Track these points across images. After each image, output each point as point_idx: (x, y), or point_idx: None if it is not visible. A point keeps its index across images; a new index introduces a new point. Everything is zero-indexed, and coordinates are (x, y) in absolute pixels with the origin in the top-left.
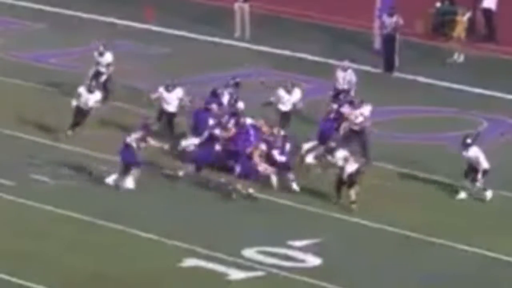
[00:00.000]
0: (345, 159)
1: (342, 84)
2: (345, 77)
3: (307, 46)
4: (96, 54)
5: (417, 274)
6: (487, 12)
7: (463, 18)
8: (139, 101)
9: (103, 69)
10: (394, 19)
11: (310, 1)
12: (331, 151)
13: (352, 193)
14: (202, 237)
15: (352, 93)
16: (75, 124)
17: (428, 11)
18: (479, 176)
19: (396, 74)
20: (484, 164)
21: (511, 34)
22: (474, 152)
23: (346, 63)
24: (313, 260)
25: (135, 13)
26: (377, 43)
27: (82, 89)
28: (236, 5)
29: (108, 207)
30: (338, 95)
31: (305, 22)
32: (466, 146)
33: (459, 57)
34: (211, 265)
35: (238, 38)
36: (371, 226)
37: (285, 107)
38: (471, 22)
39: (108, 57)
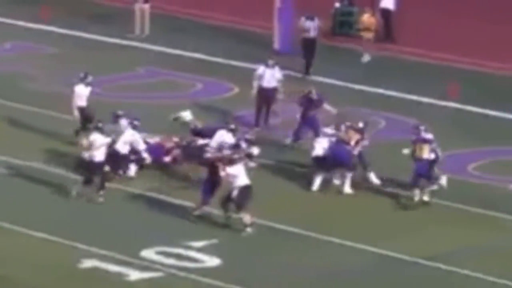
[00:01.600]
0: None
1: (268, 82)
2: (274, 74)
3: (206, 47)
4: None
5: (314, 272)
6: (385, 12)
7: (372, 19)
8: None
9: None
10: (316, 22)
11: (210, 2)
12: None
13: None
14: (101, 238)
15: (281, 90)
16: None
17: (328, 11)
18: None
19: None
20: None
21: (408, 34)
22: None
23: (271, 61)
24: (211, 261)
25: (32, 13)
26: (277, 43)
27: None
28: (136, 6)
29: (6, 209)
30: (262, 95)
31: (204, 23)
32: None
33: (366, 58)
34: (110, 266)
35: (136, 38)
36: (268, 225)
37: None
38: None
39: None
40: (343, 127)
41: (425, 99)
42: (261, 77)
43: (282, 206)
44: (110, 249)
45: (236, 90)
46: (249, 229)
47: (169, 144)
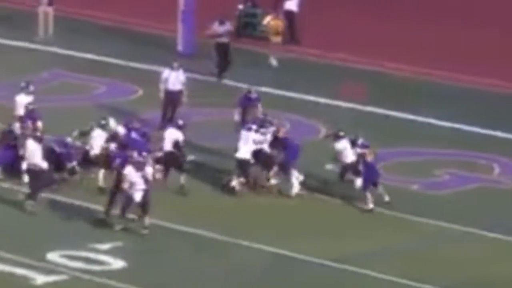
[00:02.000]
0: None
1: (174, 85)
2: (178, 77)
3: (111, 49)
4: None
5: (217, 274)
6: (289, 14)
7: (279, 22)
8: None
9: None
10: (228, 26)
11: (115, 5)
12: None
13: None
14: (6, 242)
15: (185, 93)
16: None
17: (232, 13)
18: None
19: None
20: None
21: (312, 36)
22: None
23: (175, 63)
24: (116, 263)
25: None
26: (181, 46)
27: None
28: (40, 9)
29: None
30: (168, 97)
31: (108, 25)
32: (338, 138)
33: (274, 61)
34: (15, 270)
35: (39, 41)
36: (171, 228)
37: None
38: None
39: None
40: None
41: (328, 101)
42: (166, 80)
43: (193, 209)
44: (15, 253)
45: (141, 92)
46: (147, 231)
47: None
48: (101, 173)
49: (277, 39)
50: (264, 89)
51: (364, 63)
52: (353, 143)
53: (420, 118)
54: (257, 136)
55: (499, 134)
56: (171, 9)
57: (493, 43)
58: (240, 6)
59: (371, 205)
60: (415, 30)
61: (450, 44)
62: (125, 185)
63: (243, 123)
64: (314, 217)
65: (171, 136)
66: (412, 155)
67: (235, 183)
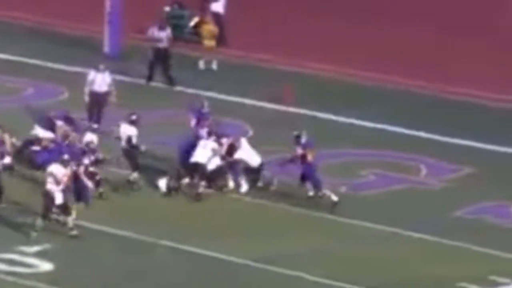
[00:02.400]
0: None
1: (100, 86)
2: (104, 79)
3: (37, 51)
4: None
5: (146, 274)
6: (215, 16)
7: (212, 26)
8: None
9: None
10: (167, 32)
11: (41, 6)
12: None
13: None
14: None
15: (114, 93)
16: None
17: (158, 15)
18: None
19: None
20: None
21: (238, 37)
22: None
23: (102, 65)
24: (44, 265)
25: None
26: (107, 47)
27: None
28: None
29: None
30: (94, 99)
31: (34, 27)
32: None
33: (211, 64)
34: None
35: None
36: (100, 230)
37: None
38: (200, 25)
39: None
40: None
41: (256, 102)
42: (92, 81)
43: (124, 210)
44: None
45: (66, 94)
46: (74, 232)
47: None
48: None
49: (212, 43)
50: (190, 90)
51: (288, 64)
52: (297, 141)
53: (346, 119)
54: (214, 145)
55: (424, 135)
56: (98, 11)
57: (422, 43)
58: (167, 8)
59: (310, 193)
60: (341, 30)
61: (376, 45)
62: (48, 185)
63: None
64: (246, 219)
65: (125, 132)
66: (338, 156)
67: (201, 189)
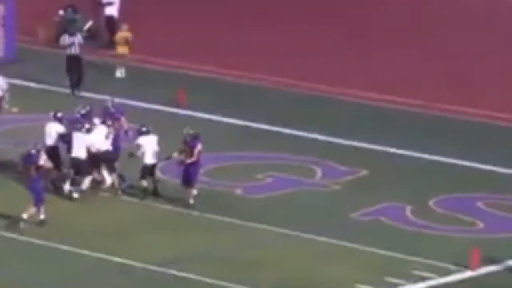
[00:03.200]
0: None
1: None
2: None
3: None
4: None
5: (49, 281)
6: (109, 19)
7: (127, 34)
8: None
9: None
10: (78, 38)
11: None
12: None
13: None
14: None
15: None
16: None
17: (52, 19)
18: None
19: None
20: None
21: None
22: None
23: None
24: None
25: None
26: (2, 51)
27: None
28: None
29: None
30: None
31: None
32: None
33: (122, 73)
34: None
35: None
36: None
37: None
38: (95, 29)
39: None
40: None
41: (153, 106)
42: None
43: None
44: None
45: None
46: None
47: None
48: None
49: (125, 50)
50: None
51: (191, 68)
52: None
53: (239, 122)
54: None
55: (319, 137)
56: None
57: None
58: (61, 12)
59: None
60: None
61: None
62: None
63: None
64: (133, 220)
65: (52, 130)
66: (234, 159)
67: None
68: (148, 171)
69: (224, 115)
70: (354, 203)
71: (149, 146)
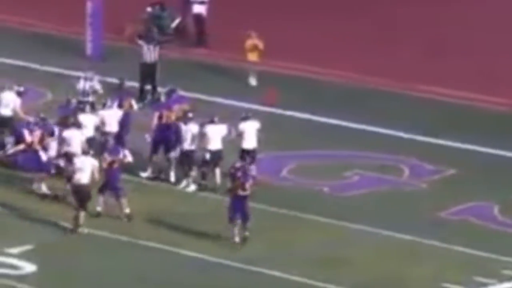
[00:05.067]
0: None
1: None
2: (94, 86)
3: (21, 53)
4: None
5: (127, 276)
6: (197, 17)
7: (256, 41)
8: None
9: None
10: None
11: (25, 8)
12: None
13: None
14: None
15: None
16: None
17: (139, 16)
18: None
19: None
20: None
21: (219, 39)
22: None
23: (90, 73)
24: (27, 267)
25: None
26: (90, 49)
27: None
28: None
29: None
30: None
31: (19, 29)
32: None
33: (254, 81)
34: None
35: None
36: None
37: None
38: (182, 27)
39: None
40: None
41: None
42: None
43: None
44: None
45: (50, 96)
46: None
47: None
48: None
49: (255, 56)
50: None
51: (276, 66)
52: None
53: (329, 120)
54: None
55: (407, 136)
56: (79, 12)
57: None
58: (149, 9)
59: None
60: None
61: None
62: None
63: None
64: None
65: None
66: (322, 157)
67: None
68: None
69: (313, 114)
70: (442, 202)
71: (248, 132)
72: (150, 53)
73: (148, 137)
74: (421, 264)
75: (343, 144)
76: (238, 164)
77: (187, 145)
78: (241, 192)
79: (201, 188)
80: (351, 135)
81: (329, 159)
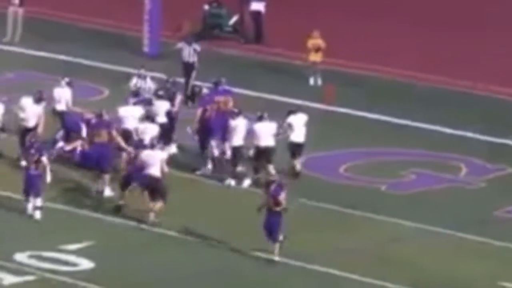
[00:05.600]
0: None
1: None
2: (147, 85)
3: (77, 50)
4: None
5: (186, 272)
6: (255, 14)
7: (319, 41)
8: None
9: None
10: (194, 46)
11: (80, 5)
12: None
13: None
14: None
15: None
16: None
17: (197, 14)
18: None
19: None
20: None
21: (276, 36)
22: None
23: (142, 71)
24: (85, 263)
25: None
26: (147, 46)
27: None
28: (10, 9)
29: None
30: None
31: (75, 25)
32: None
33: (315, 81)
34: None
35: (7, 42)
36: (136, 227)
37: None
38: (240, 23)
39: None
40: None
41: (297, 101)
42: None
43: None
44: None
45: (107, 92)
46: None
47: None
48: None
49: (317, 57)
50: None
51: (339, 64)
52: None
53: (387, 118)
54: None
55: (466, 134)
56: (137, 9)
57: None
58: (206, 7)
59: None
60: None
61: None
62: None
63: None
64: None
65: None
66: (379, 155)
67: None
68: (295, 150)
69: (371, 111)
70: (499, 200)
71: (297, 125)
72: (189, 53)
73: (189, 129)
74: (479, 263)
75: (400, 142)
76: (272, 178)
77: (236, 140)
78: (275, 208)
79: (254, 182)
80: (409, 133)
81: (386, 157)
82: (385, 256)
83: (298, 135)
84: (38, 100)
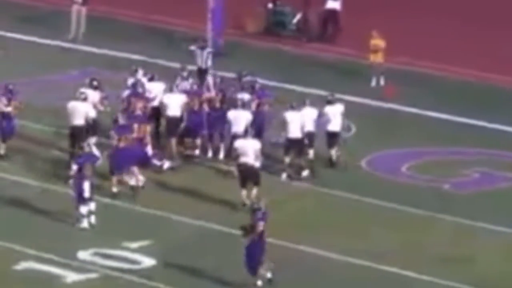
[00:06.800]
0: None
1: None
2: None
3: (142, 48)
4: None
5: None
6: (331, 13)
7: (379, 41)
8: None
9: None
10: (207, 51)
11: (144, 3)
12: None
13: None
14: (37, 240)
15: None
16: None
17: (261, 12)
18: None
19: None
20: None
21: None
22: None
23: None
24: (147, 261)
25: None
26: (210, 44)
27: None
28: (74, 8)
29: None
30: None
31: (139, 23)
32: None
33: (376, 82)
34: (46, 268)
35: (71, 40)
36: (206, 226)
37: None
38: (304, 22)
39: None
40: None
41: (359, 99)
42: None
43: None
44: (47, 251)
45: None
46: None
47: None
48: None
49: (378, 57)
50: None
51: (396, 62)
52: None
53: (449, 117)
54: None
55: None
56: (200, 8)
57: None
58: (270, 5)
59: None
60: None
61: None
62: None
63: None
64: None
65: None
66: (442, 154)
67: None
68: (332, 139)
69: (434, 110)
70: None
71: (334, 115)
72: (202, 59)
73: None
74: None
75: (463, 141)
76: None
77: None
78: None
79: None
80: (470, 132)
81: (449, 156)
82: (449, 255)
83: (334, 124)
84: (95, 88)
